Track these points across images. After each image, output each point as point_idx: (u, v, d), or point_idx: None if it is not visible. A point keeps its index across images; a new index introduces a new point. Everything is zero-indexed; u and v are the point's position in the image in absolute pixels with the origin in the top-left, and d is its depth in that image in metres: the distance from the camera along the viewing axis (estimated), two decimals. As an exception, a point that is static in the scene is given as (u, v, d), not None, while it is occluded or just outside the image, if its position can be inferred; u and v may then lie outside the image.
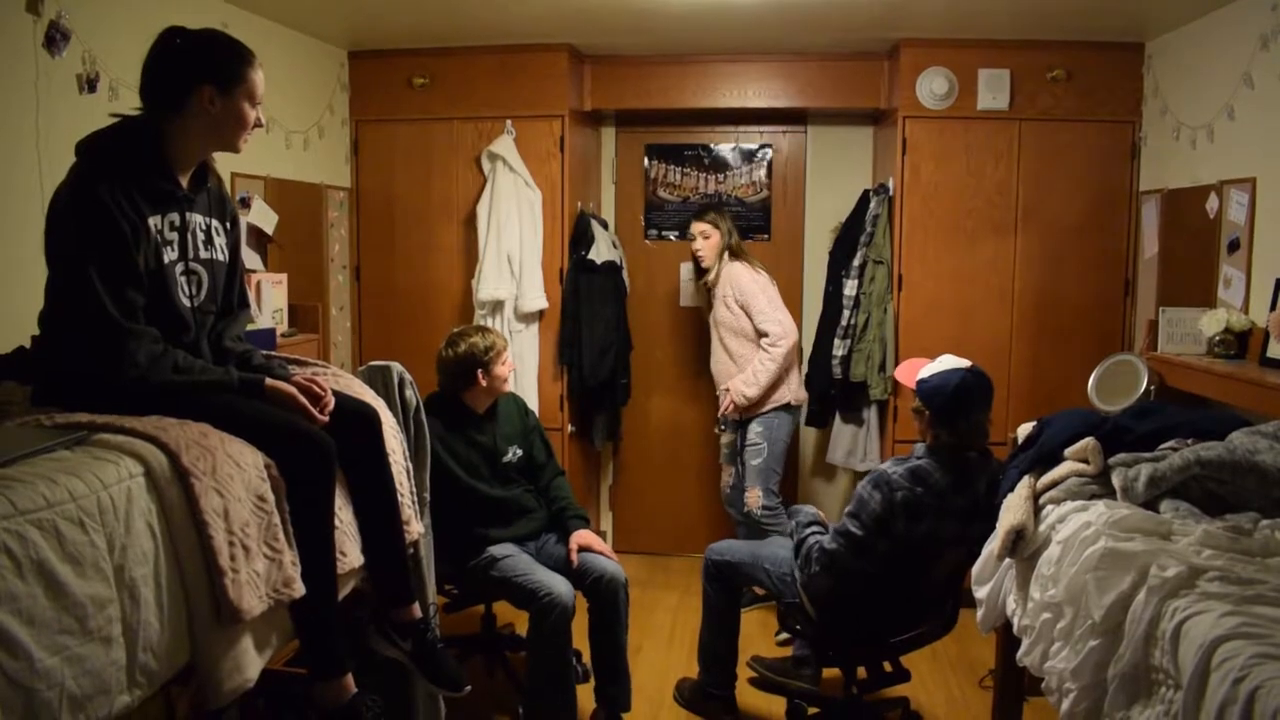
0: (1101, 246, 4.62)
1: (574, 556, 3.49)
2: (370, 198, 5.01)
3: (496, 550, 3.47)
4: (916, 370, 3.22)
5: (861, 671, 3.37)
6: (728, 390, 4.61)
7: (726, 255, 4.66)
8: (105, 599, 1.59)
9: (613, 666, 3.46)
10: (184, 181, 2.17)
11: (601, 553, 3.55)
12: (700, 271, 4.78)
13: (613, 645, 3.45)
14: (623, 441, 5.55)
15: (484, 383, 3.58)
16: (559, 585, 3.30)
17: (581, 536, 3.56)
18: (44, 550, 1.49)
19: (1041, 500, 2.64)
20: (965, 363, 3.16)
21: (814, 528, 3.25)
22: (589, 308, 4.87)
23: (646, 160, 5.48)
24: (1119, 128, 4.57)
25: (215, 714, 2.08)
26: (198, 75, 2.10)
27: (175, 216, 2.13)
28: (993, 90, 4.57)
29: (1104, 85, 4.55)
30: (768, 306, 4.53)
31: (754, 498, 4.53)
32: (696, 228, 4.69)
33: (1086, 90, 4.56)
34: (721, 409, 4.69)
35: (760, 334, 4.52)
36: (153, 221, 2.06)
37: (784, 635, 4.25)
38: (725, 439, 4.83)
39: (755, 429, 4.56)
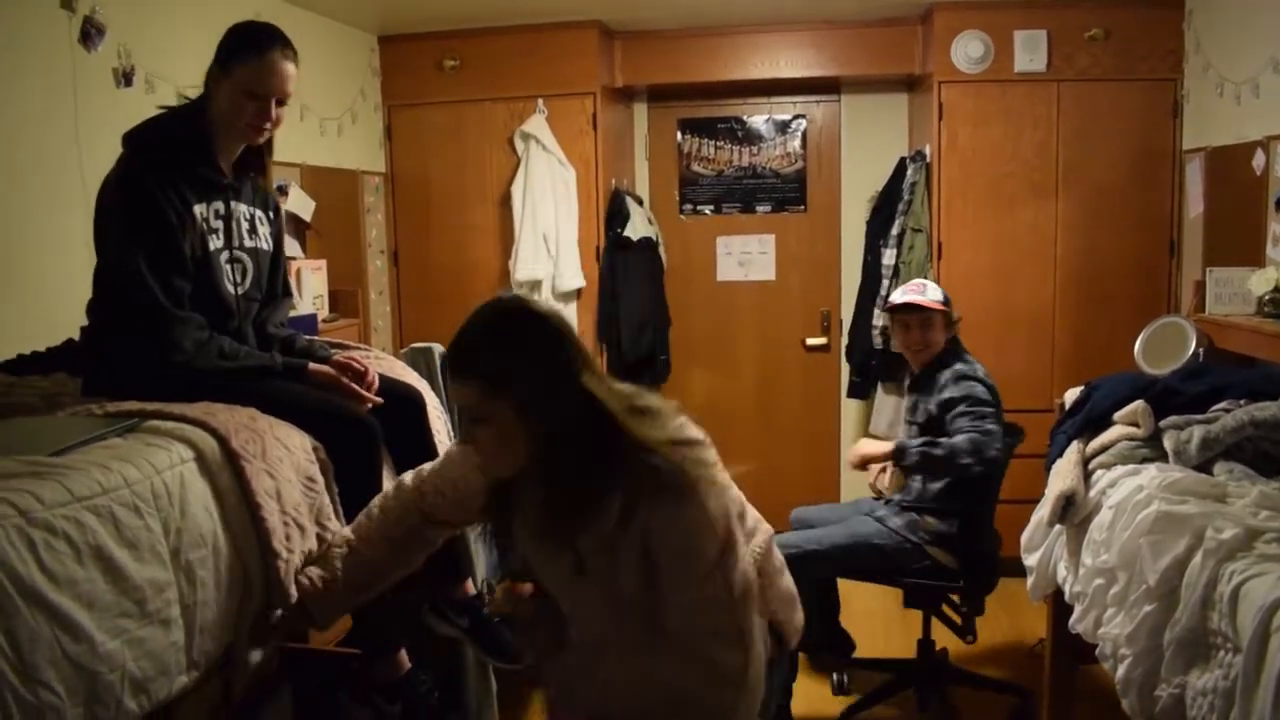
0: (1145, 208, 4.54)
1: None
2: (405, 182, 5.02)
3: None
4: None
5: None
6: None
7: None
8: (163, 582, 1.62)
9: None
10: (227, 170, 2.18)
11: None
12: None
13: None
14: (663, 418, 5.53)
15: None
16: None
17: None
18: (101, 535, 1.51)
19: (1091, 465, 2.61)
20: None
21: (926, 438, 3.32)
22: (626, 285, 4.86)
23: (679, 135, 5.45)
24: (1160, 86, 4.48)
25: (269, 693, 2.11)
26: (214, 59, 2.12)
27: (220, 205, 2.15)
28: (1029, 52, 4.49)
29: (1144, 43, 4.46)
30: None
31: None
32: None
33: (1126, 49, 4.46)
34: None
35: None
36: (198, 210, 2.09)
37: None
38: None
39: None
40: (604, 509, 1.64)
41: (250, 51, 2.10)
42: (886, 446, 3.35)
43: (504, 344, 1.69)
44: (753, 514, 1.97)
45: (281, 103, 2.16)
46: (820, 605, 3.68)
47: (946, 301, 3.46)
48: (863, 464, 3.47)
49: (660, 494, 1.61)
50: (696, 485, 1.63)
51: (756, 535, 1.91)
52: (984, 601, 3.43)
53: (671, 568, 1.64)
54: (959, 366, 3.37)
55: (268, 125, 2.16)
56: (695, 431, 1.73)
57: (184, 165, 2.08)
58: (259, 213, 2.28)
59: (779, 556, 2.03)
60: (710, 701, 1.67)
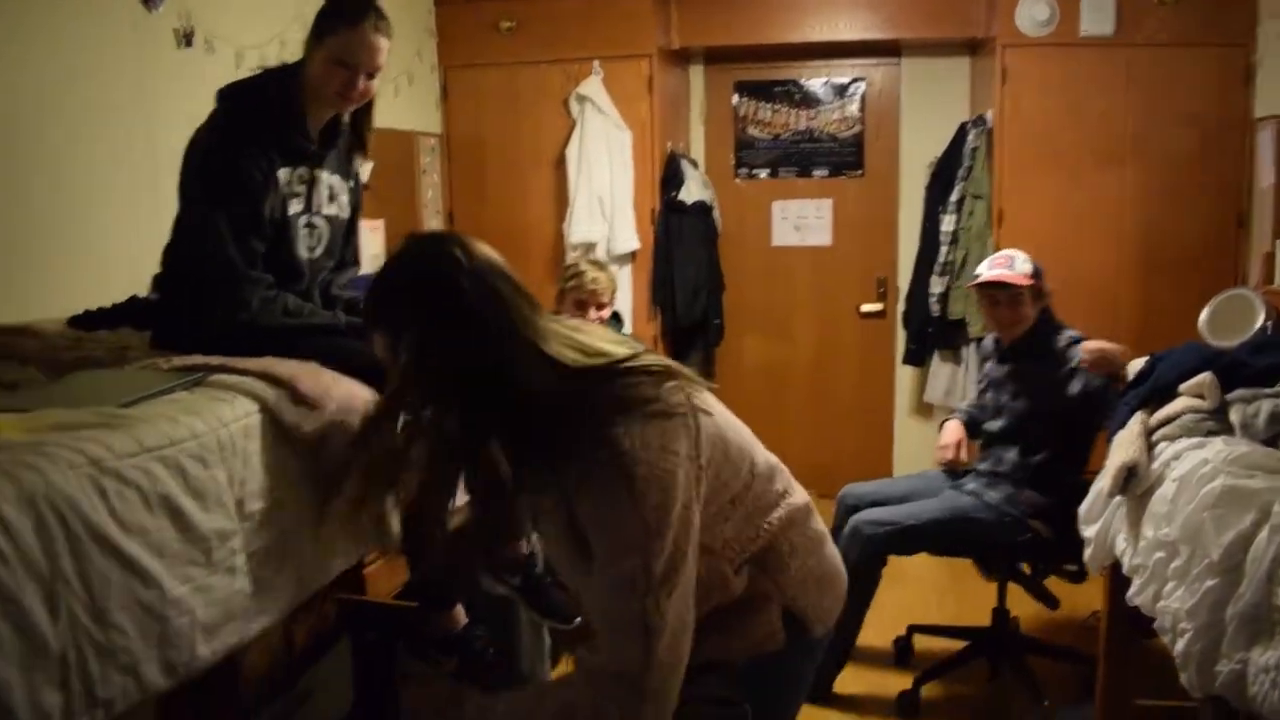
0: (1213, 177, 4.42)
1: None
2: (461, 143, 5.03)
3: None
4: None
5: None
6: None
7: None
8: (229, 531, 1.65)
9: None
10: (315, 136, 2.20)
11: None
12: None
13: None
14: (717, 382, 5.52)
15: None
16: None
17: None
18: (170, 485, 1.54)
19: (1155, 437, 2.56)
20: None
21: None
22: (681, 248, 4.85)
23: (736, 98, 5.40)
24: (1232, 52, 4.35)
25: (331, 639, 2.15)
26: (312, 25, 2.14)
27: (305, 170, 2.18)
28: (1096, 15, 4.38)
29: (1215, 7, 4.32)
30: None
31: None
32: None
33: (1196, 13, 4.33)
34: None
35: None
36: (283, 174, 2.12)
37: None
38: None
39: None
40: (529, 483, 1.57)
41: (343, 21, 2.11)
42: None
43: (410, 304, 1.51)
44: (783, 481, 1.82)
45: (371, 75, 2.17)
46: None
47: (1036, 274, 3.31)
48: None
49: (589, 475, 1.48)
50: (635, 475, 1.44)
51: (780, 506, 1.77)
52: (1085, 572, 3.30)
53: (592, 535, 1.51)
54: (1070, 333, 3.30)
55: (354, 95, 2.17)
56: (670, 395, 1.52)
57: (274, 128, 2.11)
58: (340, 180, 2.31)
59: (816, 532, 1.81)
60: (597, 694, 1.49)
